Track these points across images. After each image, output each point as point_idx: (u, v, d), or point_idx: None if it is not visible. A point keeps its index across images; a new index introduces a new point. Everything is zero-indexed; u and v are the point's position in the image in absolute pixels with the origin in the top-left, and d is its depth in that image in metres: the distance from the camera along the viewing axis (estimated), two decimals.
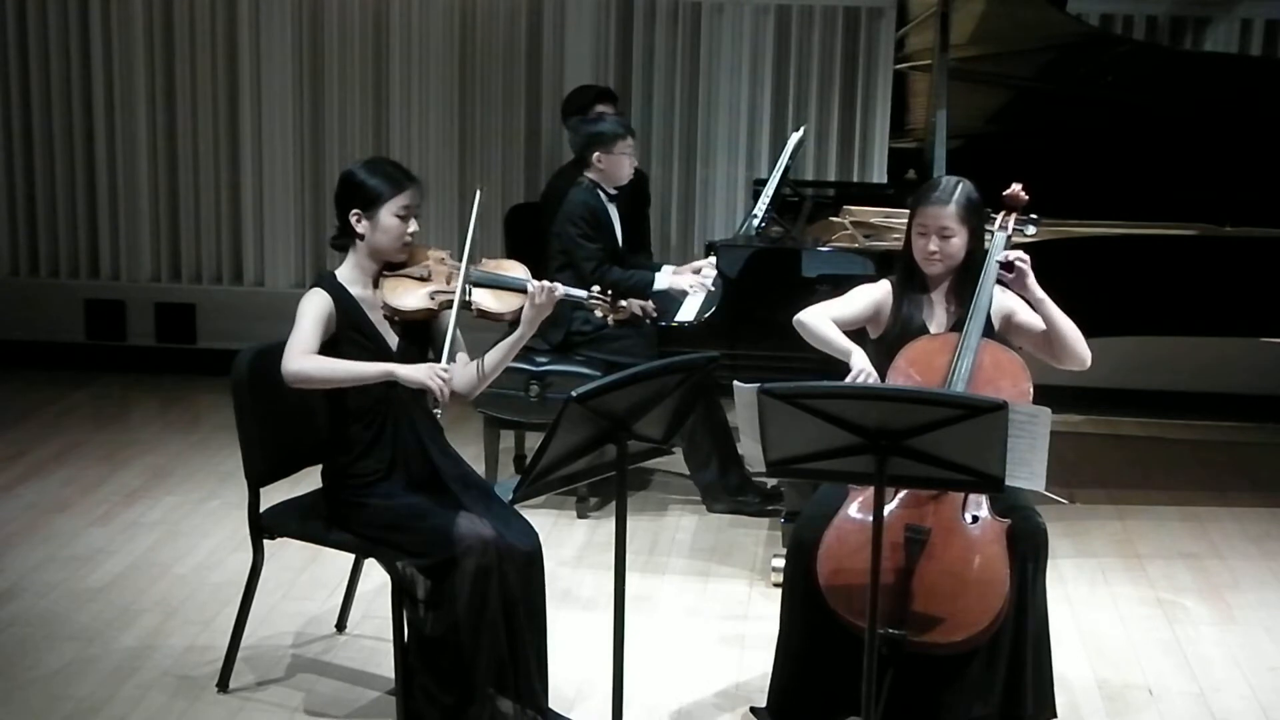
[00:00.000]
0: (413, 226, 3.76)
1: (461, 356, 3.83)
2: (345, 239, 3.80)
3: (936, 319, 3.92)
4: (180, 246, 7.18)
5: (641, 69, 6.89)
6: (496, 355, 3.81)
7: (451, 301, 3.73)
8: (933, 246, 3.84)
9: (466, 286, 3.73)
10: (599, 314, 3.82)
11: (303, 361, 3.64)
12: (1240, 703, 4.14)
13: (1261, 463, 6.25)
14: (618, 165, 5.45)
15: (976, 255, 3.88)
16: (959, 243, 3.85)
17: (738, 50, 6.84)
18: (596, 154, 5.42)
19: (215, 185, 7.10)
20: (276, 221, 7.10)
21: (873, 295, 3.97)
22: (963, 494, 3.62)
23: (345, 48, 6.94)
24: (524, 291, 3.76)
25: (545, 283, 3.77)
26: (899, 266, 3.99)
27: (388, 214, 3.73)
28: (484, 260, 3.89)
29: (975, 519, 3.63)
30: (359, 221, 3.75)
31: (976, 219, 3.88)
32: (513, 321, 3.79)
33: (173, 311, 7.20)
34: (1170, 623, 4.64)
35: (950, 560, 3.59)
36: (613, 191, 5.49)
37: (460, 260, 3.76)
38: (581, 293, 3.83)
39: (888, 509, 3.60)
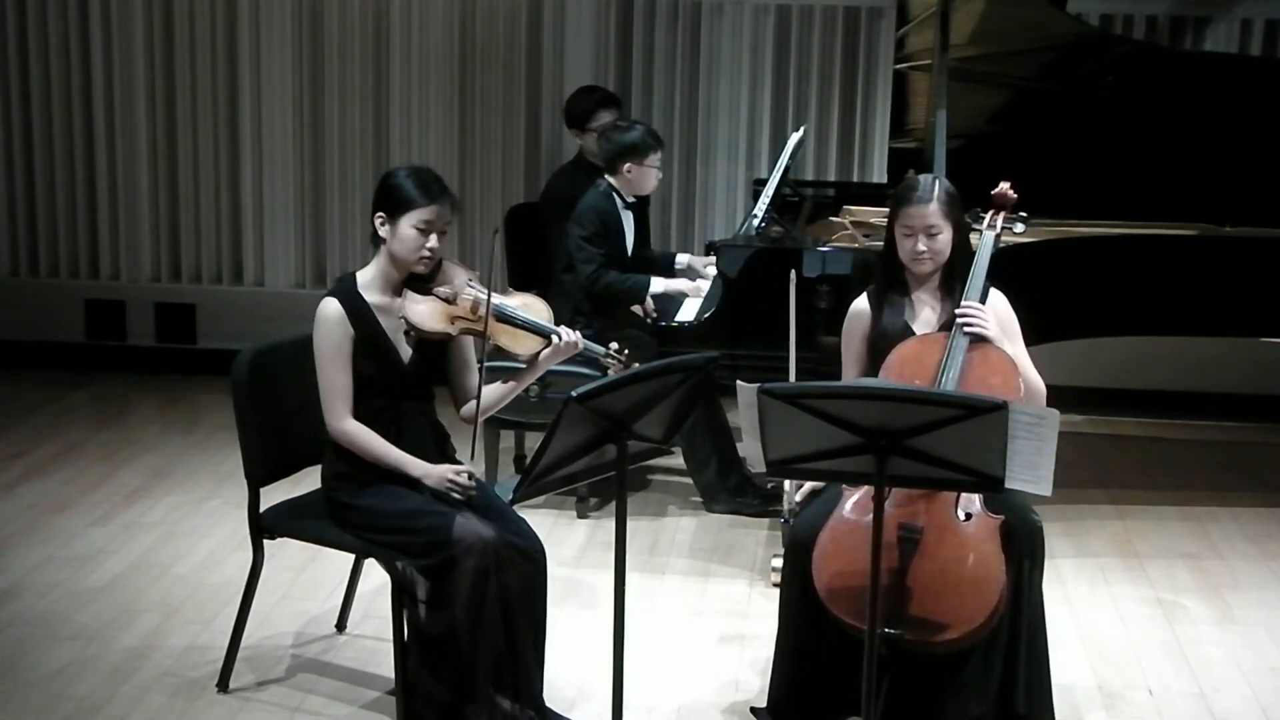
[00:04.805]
0: (432, 242, 3.73)
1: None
2: (377, 238, 3.82)
3: (923, 318, 3.90)
4: (180, 246, 7.18)
5: (641, 69, 6.89)
6: (497, 393, 3.88)
7: (472, 330, 3.76)
8: (921, 246, 3.82)
9: (481, 366, 3.76)
10: (611, 373, 3.85)
11: (350, 427, 3.74)
12: (1240, 703, 4.14)
13: (1261, 463, 6.25)
14: (646, 177, 5.42)
15: (961, 250, 3.88)
16: (946, 238, 3.84)
17: (738, 50, 6.84)
18: (628, 165, 5.38)
19: (215, 185, 7.10)
20: (276, 221, 7.10)
21: (856, 328, 3.95)
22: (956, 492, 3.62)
23: (345, 48, 6.94)
24: (547, 336, 3.78)
25: (570, 333, 3.81)
26: (880, 270, 3.97)
27: (407, 224, 3.72)
28: (511, 292, 3.90)
29: (968, 516, 3.63)
30: (382, 225, 3.76)
31: (959, 212, 3.88)
32: (527, 360, 3.83)
33: (173, 311, 7.19)
34: (1170, 623, 4.63)
35: (944, 558, 3.58)
36: (631, 199, 5.46)
37: (486, 287, 3.76)
38: (600, 349, 3.88)
39: None
